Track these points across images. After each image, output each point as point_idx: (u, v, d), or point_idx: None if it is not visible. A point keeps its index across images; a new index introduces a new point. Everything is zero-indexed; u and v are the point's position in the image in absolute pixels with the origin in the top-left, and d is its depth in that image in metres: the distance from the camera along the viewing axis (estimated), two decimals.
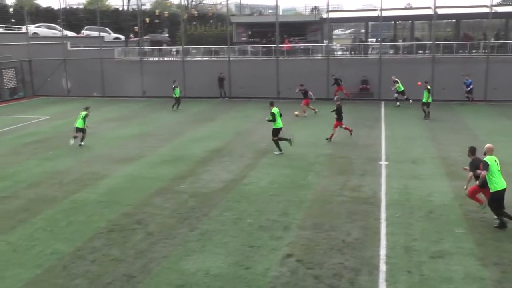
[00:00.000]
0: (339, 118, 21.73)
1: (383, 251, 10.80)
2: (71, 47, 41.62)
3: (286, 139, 20.05)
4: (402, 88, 30.64)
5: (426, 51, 35.89)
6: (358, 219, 12.67)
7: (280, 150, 19.73)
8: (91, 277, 10.10)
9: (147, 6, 63.80)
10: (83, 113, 21.91)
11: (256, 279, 9.82)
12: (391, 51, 37.73)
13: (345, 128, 22.07)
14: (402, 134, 22.67)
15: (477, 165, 12.18)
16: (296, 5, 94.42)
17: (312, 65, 35.03)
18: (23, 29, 45.49)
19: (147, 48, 41.45)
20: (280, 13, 45.75)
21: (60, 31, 44.40)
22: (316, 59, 36.12)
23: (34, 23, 49.24)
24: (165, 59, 40.17)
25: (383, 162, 17.96)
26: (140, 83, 37.00)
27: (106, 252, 11.16)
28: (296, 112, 25.68)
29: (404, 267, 10.12)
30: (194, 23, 52.26)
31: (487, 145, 12.28)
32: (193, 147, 20.92)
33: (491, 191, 11.78)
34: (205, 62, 38.04)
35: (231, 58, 36.67)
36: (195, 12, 53.11)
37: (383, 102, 31.93)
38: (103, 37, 44.39)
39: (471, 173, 12.21)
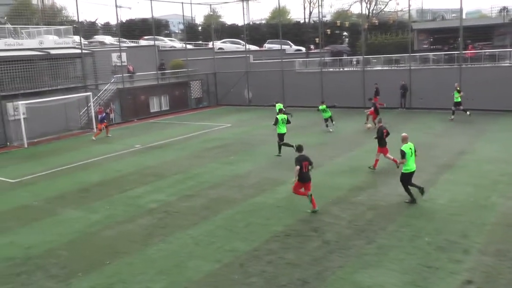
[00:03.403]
0: (381, 144, 18.67)
1: None
2: (254, 60, 43.95)
3: (290, 145, 21.12)
4: (459, 99, 28.64)
5: None
6: None
7: (279, 154, 21.84)
8: (267, 277, 10.60)
9: (328, 18, 64.58)
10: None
11: None
12: None
13: (376, 160, 18.94)
14: None
15: (301, 160, 14.13)
16: (482, 7, 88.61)
17: (498, 73, 32.40)
18: (210, 45, 49.16)
19: (327, 58, 42.06)
20: (464, 16, 43.30)
21: (243, 45, 47.10)
22: (503, 66, 33.46)
23: (219, 39, 52.94)
24: (345, 69, 40.37)
25: None
26: (319, 93, 37.68)
27: (282, 255, 11.62)
28: (369, 125, 24.48)
29: None
30: (375, 32, 51.77)
31: (403, 135, 14.88)
32: (372, 158, 20.75)
33: (402, 171, 14.50)
34: (385, 72, 37.51)
35: (411, 67, 35.69)
36: (376, 21, 52.52)
37: None
38: (284, 50, 46.09)
39: (297, 167, 14.04)
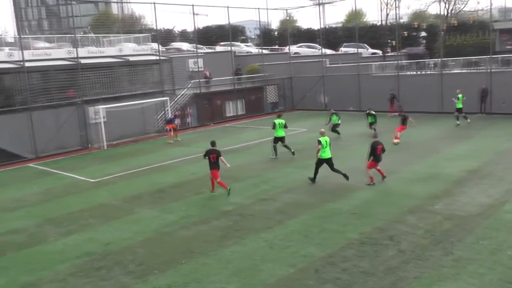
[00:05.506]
0: (375, 159, 17.91)
1: None
2: (329, 64, 43.65)
3: (289, 149, 23.50)
4: (461, 106, 28.60)
5: None
6: None
7: (275, 156, 23.58)
8: (341, 284, 10.48)
9: (405, 19, 63.06)
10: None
11: None
12: None
13: (379, 170, 18.26)
14: None
15: (209, 152, 17.90)
16: None
17: None
18: (286, 49, 49.34)
19: (404, 62, 41.10)
20: None
21: (319, 49, 46.90)
22: None
23: (295, 44, 52.97)
24: (422, 72, 39.25)
25: None
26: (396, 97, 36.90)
27: (357, 263, 11.45)
28: (396, 140, 23.17)
29: None
30: (453, 33, 50.05)
31: (321, 130, 18.68)
32: (449, 165, 20.09)
33: (319, 157, 18.18)
34: (464, 75, 36.02)
35: (492, 70, 34.16)
36: (455, 21, 50.77)
37: None
38: (360, 53, 45.46)
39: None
